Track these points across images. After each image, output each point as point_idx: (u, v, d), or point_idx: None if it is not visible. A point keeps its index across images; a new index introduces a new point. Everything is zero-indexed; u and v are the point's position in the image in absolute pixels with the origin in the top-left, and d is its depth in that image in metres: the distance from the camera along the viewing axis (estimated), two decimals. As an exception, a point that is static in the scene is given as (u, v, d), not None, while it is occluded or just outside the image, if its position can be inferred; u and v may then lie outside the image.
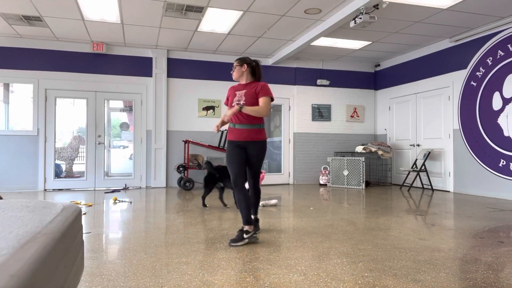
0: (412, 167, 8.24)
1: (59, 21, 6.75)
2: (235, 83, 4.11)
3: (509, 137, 6.55)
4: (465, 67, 7.42)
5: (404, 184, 8.49)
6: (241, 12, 6.32)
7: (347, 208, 5.51)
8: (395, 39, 7.84)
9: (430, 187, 8.03)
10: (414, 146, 8.81)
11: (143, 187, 8.43)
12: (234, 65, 3.64)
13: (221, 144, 8.45)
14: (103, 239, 3.60)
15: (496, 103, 6.77)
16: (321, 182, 9.09)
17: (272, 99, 3.57)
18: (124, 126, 10.06)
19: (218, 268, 2.69)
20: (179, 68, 8.72)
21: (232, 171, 3.48)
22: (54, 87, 7.96)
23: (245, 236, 3.38)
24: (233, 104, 3.56)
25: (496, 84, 6.77)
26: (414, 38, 7.76)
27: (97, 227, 4.16)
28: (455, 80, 7.65)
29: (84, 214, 4.95)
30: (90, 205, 5.76)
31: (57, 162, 8.32)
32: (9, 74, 7.73)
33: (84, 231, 3.91)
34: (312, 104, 9.53)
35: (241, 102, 3.49)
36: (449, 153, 7.79)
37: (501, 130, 6.69)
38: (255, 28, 7.11)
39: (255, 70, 3.66)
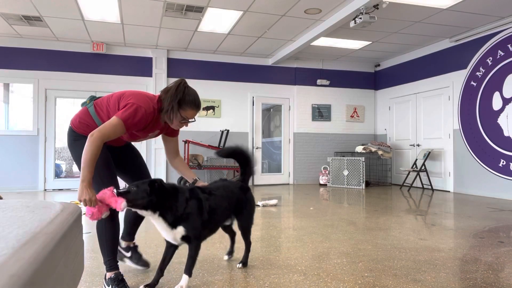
0: (412, 167, 8.24)
1: (59, 21, 6.75)
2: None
3: (509, 137, 6.55)
4: (465, 67, 7.42)
5: (404, 184, 8.49)
6: (241, 12, 6.32)
7: (347, 208, 5.50)
8: (395, 39, 7.84)
9: (430, 187, 8.03)
10: (414, 146, 8.81)
11: (143, 187, 8.42)
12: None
13: (221, 144, 8.45)
14: (103, 239, 3.59)
15: (496, 103, 6.77)
16: (321, 182, 9.09)
17: (124, 121, 2.17)
18: (124, 126, 10.04)
19: (218, 268, 2.69)
20: (179, 68, 8.72)
21: None
22: (54, 87, 7.96)
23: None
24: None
25: (496, 84, 6.77)
26: (414, 38, 7.76)
27: (97, 227, 4.16)
28: (455, 80, 7.65)
29: (84, 214, 4.95)
30: (90, 205, 5.74)
31: (57, 162, 8.31)
32: (9, 74, 7.73)
33: (84, 231, 3.91)
34: (312, 104, 9.53)
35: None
36: (449, 153, 7.79)
37: (501, 130, 6.69)
38: (255, 28, 7.11)
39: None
